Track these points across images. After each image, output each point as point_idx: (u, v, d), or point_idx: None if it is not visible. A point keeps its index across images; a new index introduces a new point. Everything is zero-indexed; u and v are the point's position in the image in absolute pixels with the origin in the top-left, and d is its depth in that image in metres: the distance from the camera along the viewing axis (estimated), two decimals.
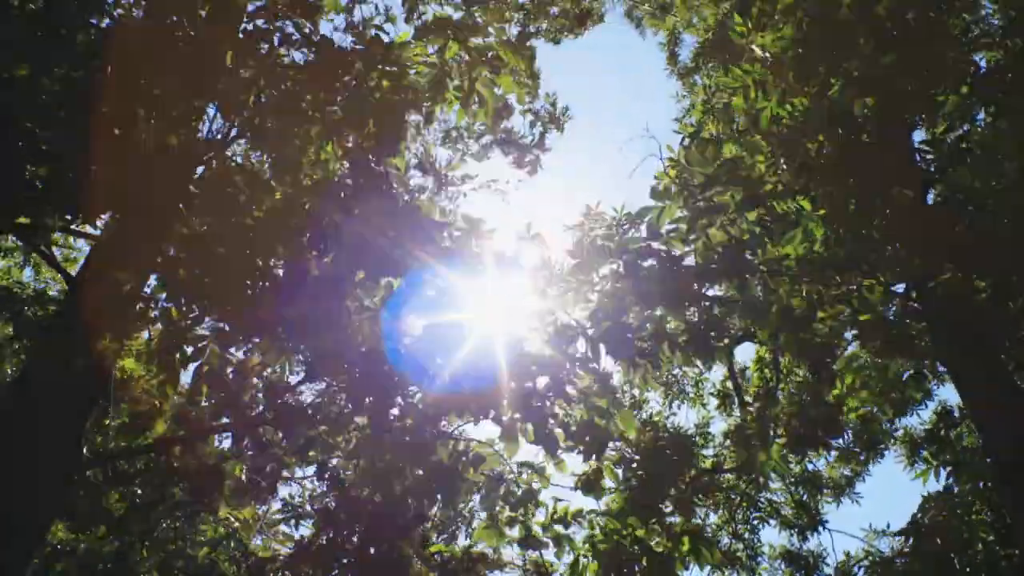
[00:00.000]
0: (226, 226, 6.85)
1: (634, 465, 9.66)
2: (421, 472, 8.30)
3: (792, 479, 12.91)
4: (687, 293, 8.94)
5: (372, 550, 8.48)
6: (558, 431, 8.33)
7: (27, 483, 7.38)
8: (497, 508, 9.41)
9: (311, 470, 9.68)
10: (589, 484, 9.57)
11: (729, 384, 13.40)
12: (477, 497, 9.75)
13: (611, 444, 9.52)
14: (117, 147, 6.64)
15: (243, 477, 9.82)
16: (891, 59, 8.23)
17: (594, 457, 8.77)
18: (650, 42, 17.20)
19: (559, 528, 9.44)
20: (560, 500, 9.71)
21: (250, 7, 7.79)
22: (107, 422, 9.86)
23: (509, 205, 16.80)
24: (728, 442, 12.71)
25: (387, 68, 7.24)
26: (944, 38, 8.52)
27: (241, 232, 6.82)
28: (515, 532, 9.51)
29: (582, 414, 8.68)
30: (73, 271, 9.77)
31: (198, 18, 6.80)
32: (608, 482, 9.76)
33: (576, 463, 9.73)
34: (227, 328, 7.44)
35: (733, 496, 13.19)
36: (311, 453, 9.04)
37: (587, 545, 9.48)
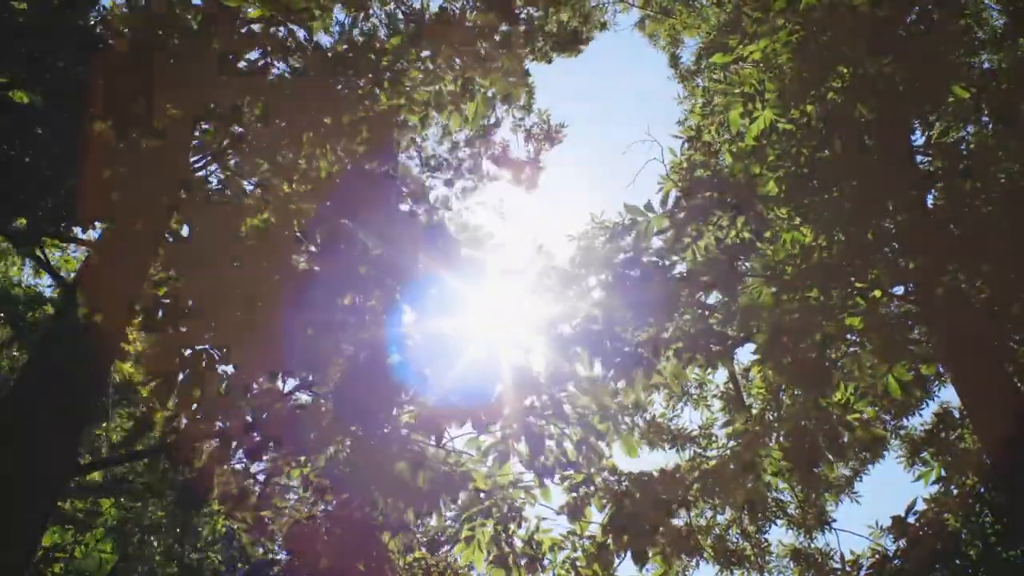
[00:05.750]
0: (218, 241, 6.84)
1: (620, 490, 9.53)
2: (408, 483, 8.27)
3: (798, 480, 12.82)
4: (679, 301, 8.89)
5: (351, 558, 8.47)
6: (551, 451, 8.28)
7: (24, 487, 7.42)
8: (478, 525, 9.27)
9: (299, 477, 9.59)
10: (574, 511, 9.47)
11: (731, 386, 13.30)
12: (458, 511, 9.57)
13: (600, 476, 9.42)
14: (110, 153, 6.65)
15: (235, 483, 9.81)
16: (890, 61, 8.18)
17: (582, 487, 8.72)
18: (662, 47, 17.00)
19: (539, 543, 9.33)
20: (544, 519, 9.58)
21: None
22: (104, 427, 9.89)
23: (513, 216, 16.70)
24: (732, 443, 12.65)
25: (380, 77, 7.24)
26: (946, 40, 8.46)
27: (234, 246, 6.81)
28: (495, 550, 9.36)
29: (579, 436, 8.60)
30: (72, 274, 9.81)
31: (191, 27, 6.81)
32: (594, 510, 9.63)
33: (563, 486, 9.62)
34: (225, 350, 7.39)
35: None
36: (301, 458, 9.03)
37: (567, 566, 9.39)
